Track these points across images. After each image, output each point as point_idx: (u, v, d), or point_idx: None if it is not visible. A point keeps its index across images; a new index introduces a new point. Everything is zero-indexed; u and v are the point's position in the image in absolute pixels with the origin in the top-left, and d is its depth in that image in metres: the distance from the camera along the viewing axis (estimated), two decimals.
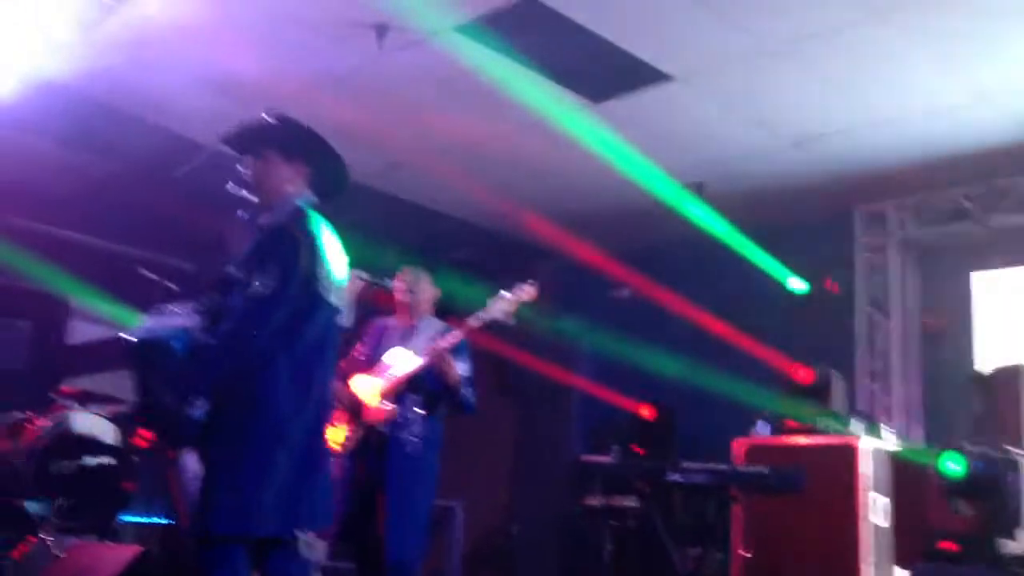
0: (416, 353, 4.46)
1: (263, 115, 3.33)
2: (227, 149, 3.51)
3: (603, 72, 5.74)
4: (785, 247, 7.37)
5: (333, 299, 3.17)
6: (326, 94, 6.15)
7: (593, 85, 5.93)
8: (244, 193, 3.30)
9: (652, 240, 8.19)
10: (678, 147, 6.65)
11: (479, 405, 4.72)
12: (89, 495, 5.37)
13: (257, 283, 2.99)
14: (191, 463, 5.11)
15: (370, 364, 4.60)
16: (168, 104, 6.39)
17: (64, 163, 6.60)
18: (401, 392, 4.45)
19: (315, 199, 3.34)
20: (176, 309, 3.13)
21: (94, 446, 5.52)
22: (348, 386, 4.49)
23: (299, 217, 3.18)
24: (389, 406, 4.39)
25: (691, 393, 6.97)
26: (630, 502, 5.68)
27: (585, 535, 6.11)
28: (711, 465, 4.64)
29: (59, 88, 6.05)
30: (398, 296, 4.70)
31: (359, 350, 4.72)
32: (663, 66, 5.61)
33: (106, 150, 6.78)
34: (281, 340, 2.99)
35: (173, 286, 5.28)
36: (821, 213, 7.40)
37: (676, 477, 4.62)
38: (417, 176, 7.43)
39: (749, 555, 5.30)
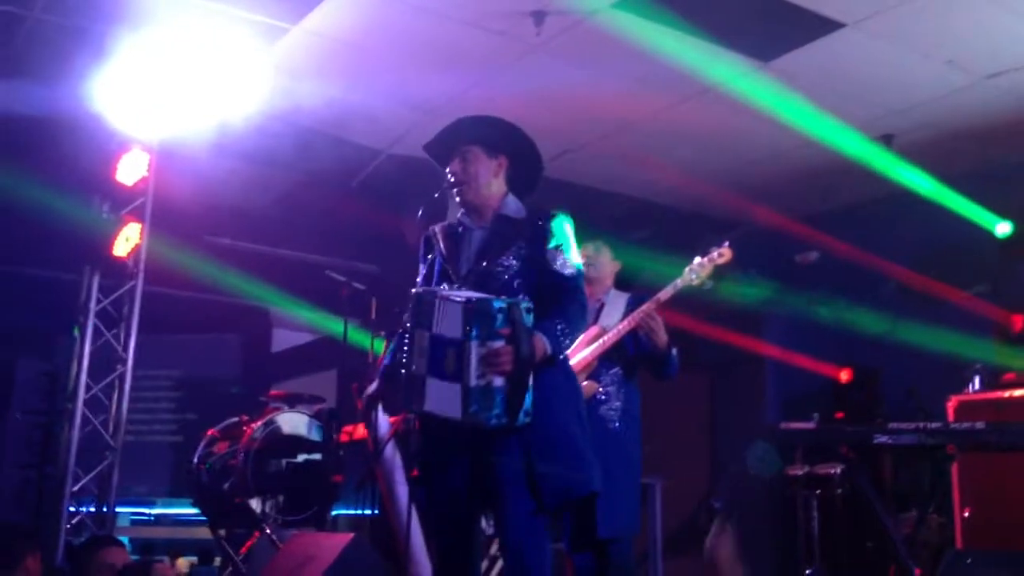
0: (607, 328, 4.43)
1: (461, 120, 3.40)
2: (400, 154, 3.63)
3: (769, 28, 5.55)
4: (987, 190, 6.89)
5: None
6: (489, 86, 6.24)
7: (760, 43, 5.74)
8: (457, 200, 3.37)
9: (841, 199, 7.84)
10: (860, 98, 6.33)
11: (670, 381, 4.64)
12: (302, 490, 5.70)
13: (562, 262, 3.23)
14: (390, 454, 5.33)
15: None
16: (343, 117, 6.67)
17: (253, 180, 7.01)
18: (596, 367, 4.43)
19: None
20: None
21: (303, 444, 5.85)
22: None
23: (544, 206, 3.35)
24: (590, 383, 4.38)
25: (896, 353, 6.65)
26: (835, 469, 5.46)
27: (790, 506, 5.93)
28: (922, 424, 4.37)
29: (245, 109, 6.44)
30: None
31: None
32: (832, 13, 5.35)
33: (290, 164, 7.14)
34: None
35: (360, 286, 5.51)
36: None
37: (884, 439, 4.37)
38: (590, 159, 7.41)
39: (966, 516, 4.98)
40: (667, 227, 8.58)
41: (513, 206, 3.33)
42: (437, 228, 3.41)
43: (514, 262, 3.21)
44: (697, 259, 4.31)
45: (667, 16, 5.37)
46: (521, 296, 3.11)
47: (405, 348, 3.07)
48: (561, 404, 3.19)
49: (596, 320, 4.56)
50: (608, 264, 4.67)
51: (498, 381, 2.94)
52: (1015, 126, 6.60)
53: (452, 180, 3.30)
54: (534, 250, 3.22)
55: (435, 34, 5.67)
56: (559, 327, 3.13)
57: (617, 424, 4.35)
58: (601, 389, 4.39)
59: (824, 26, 5.48)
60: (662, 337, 4.30)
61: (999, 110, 6.42)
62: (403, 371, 3.06)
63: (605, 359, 4.39)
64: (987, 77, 6.01)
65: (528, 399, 2.98)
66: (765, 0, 5.21)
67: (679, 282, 4.29)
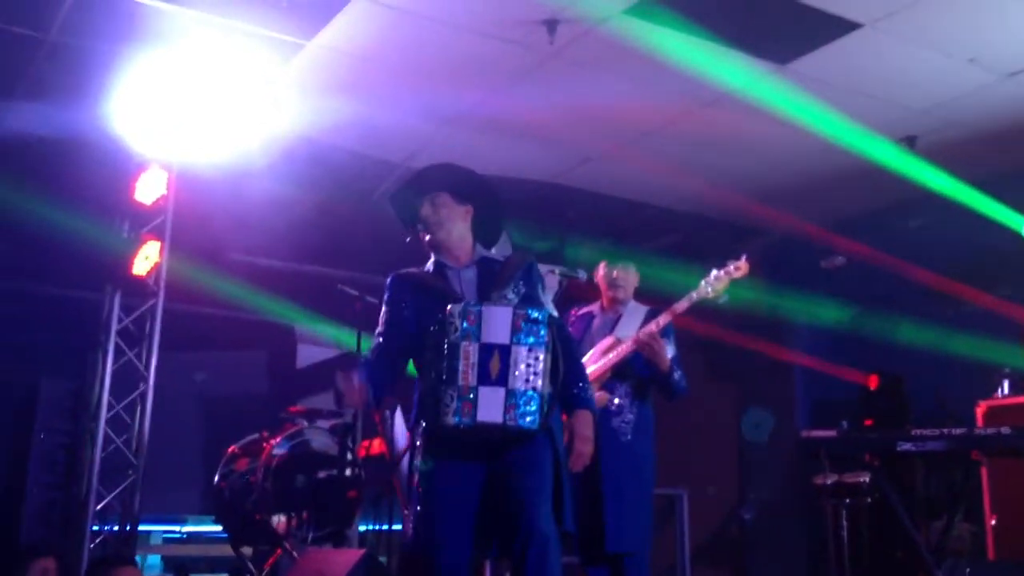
0: (623, 339, 4.40)
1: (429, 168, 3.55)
2: (417, 167, 3.70)
3: (785, 31, 5.48)
4: (1015, 191, 6.75)
5: None
6: (506, 100, 6.23)
7: (776, 46, 5.67)
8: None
9: (865, 204, 7.73)
10: (880, 100, 6.23)
11: (696, 390, 4.60)
12: (322, 506, 5.69)
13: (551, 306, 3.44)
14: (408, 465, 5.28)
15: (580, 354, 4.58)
16: (360, 131, 6.69)
17: (273, 196, 7.03)
18: (610, 379, 4.41)
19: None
20: None
21: (322, 459, 5.85)
22: None
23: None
24: (603, 393, 4.35)
25: (925, 358, 6.54)
26: (864, 478, 5.36)
27: (819, 515, 5.83)
28: (945, 430, 4.28)
29: (261, 126, 6.47)
30: (603, 286, 4.68)
31: None
32: (848, 13, 5.27)
33: (308, 179, 7.17)
34: None
35: (373, 300, 5.50)
36: None
37: (908, 446, 4.29)
38: (610, 168, 7.36)
39: (994, 523, 4.86)
40: (691, 234, 8.52)
41: (489, 251, 3.49)
42: (408, 272, 3.45)
43: (514, 297, 3.32)
44: (714, 272, 4.30)
45: (679, 21, 5.32)
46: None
47: (445, 363, 3.12)
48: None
49: (612, 331, 4.53)
50: (634, 282, 4.67)
51: (539, 384, 3.09)
52: None
53: (424, 223, 3.39)
54: (530, 289, 3.36)
55: (448, 46, 5.66)
56: (581, 385, 3.46)
57: (629, 437, 4.33)
58: (616, 401, 4.36)
59: (841, 27, 5.40)
60: (663, 360, 4.30)
61: (1022, 108, 6.29)
62: (447, 387, 3.09)
63: (617, 373, 4.37)
64: (1010, 75, 5.89)
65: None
66: (779, 2, 5.14)
67: (695, 295, 4.29)
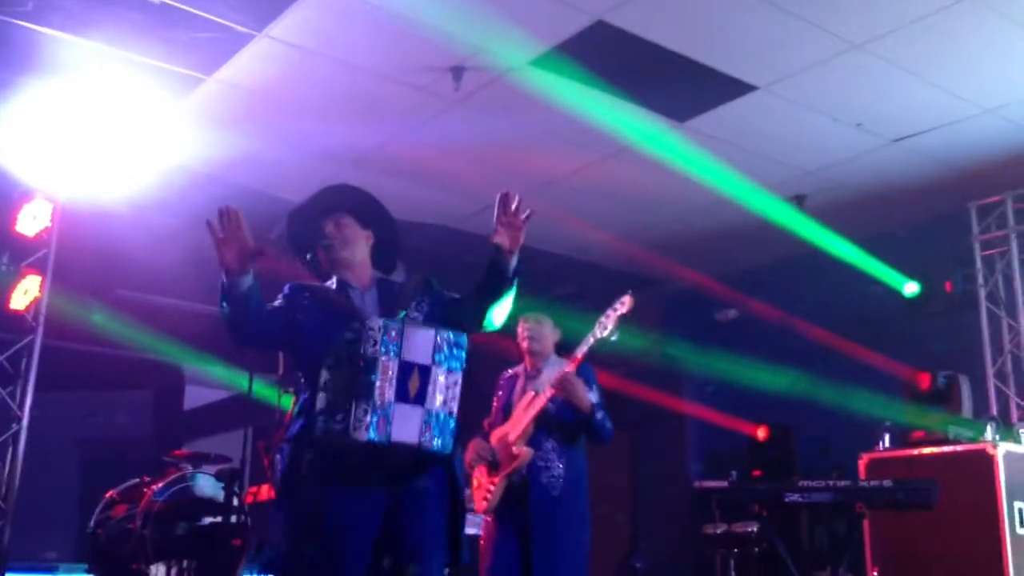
0: (540, 391, 4.39)
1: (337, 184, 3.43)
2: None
3: (685, 89, 5.64)
4: (897, 252, 7.06)
5: None
6: (409, 144, 6.23)
7: (676, 104, 5.83)
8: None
9: (756, 258, 7.97)
10: (772, 159, 6.46)
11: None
12: (205, 555, 5.48)
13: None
14: None
15: (505, 415, 4.55)
16: (258, 168, 6.58)
17: (165, 232, 6.84)
18: (535, 434, 4.37)
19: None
20: None
21: (206, 506, 5.65)
22: (489, 441, 4.46)
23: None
24: (525, 450, 4.31)
25: (811, 411, 6.72)
26: (752, 527, 5.46)
27: (709, 564, 5.89)
28: (831, 482, 4.40)
29: (155, 160, 6.30)
30: (523, 344, 4.66)
31: (495, 404, 4.68)
32: (745, 76, 5.47)
33: (203, 217, 6.98)
34: None
35: None
36: (932, 212, 7.07)
37: (795, 497, 4.38)
38: None
39: (876, 575, 4.99)
40: (591, 284, 8.61)
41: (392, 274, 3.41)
42: (310, 283, 3.35)
43: (418, 315, 3.21)
44: (605, 312, 4.33)
45: (583, 75, 5.42)
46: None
47: (360, 376, 2.94)
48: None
49: (531, 385, 4.52)
50: (550, 335, 4.67)
51: (454, 408, 3.02)
52: (921, 188, 6.80)
53: (329, 241, 3.29)
54: (432, 306, 3.27)
55: (353, 87, 5.64)
56: None
57: (559, 492, 4.28)
58: (541, 456, 4.32)
59: (738, 88, 5.59)
60: (582, 400, 4.28)
61: (906, 172, 6.60)
62: (359, 401, 2.92)
63: (542, 426, 4.34)
64: (894, 140, 6.18)
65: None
66: (680, 61, 5.29)
67: (591, 337, 4.30)
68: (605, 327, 4.29)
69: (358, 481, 2.97)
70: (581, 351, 4.32)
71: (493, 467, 4.38)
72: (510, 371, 4.73)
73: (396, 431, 2.92)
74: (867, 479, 5.07)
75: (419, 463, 3.03)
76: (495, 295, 3.22)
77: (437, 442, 2.97)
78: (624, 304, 4.30)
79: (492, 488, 4.33)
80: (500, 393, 4.69)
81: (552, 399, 4.30)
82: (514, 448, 4.30)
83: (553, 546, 4.19)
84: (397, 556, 2.99)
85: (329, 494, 2.94)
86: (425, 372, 2.98)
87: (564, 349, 4.66)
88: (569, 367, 4.29)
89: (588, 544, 4.35)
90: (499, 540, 4.32)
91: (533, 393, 4.40)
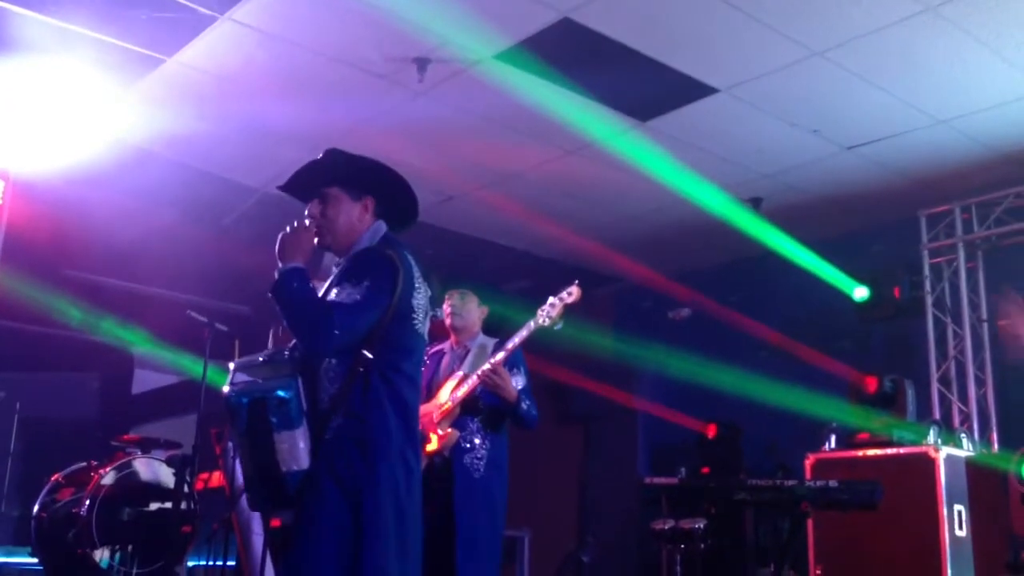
0: (469, 373, 4.39)
1: (321, 155, 3.13)
2: (276, 192, 3.38)
3: (647, 89, 5.68)
4: (848, 256, 7.18)
5: (424, 333, 3.08)
6: (371, 132, 6.19)
7: (638, 103, 5.87)
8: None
9: (711, 259, 8.08)
10: (731, 161, 6.54)
11: (542, 432, 4.61)
12: (152, 541, 5.43)
13: (338, 291, 2.86)
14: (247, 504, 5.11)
15: (430, 393, 4.55)
16: (217, 152, 6.51)
17: (120, 213, 6.74)
18: (460, 416, 4.38)
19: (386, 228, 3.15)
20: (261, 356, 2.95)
21: (154, 491, 5.59)
22: None
23: (390, 242, 3.05)
24: (450, 431, 4.31)
25: (759, 410, 6.81)
26: (699, 524, 5.53)
27: (655, 559, 5.96)
28: (778, 481, 4.48)
29: (112, 140, 6.20)
30: (447, 320, 4.65)
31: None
32: (708, 79, 5.53)
33: (159, 198, 6.91)
34: (383, 381, 2.88)
35: (223, 327, 5.31)
36: (883, 218, 7.22)
37: (743, 495, 4.46)
38: (469, 208, 7.43)
39: (819, 573, 5.10)
40: (547, 279, 8.61)
41: (366, 242, 3.06)
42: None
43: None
44: (550, 299, 4.31)
45: (547, 71, 5.44)
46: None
47: None
48: None
49: (460, 366, 4.52)
50: (475, 311, 4.66)
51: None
52: (873, 195, 6.93)
53: (315, 223, 3.04)
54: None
55: (316, 74, 5.59)
56: None
57: (481, 472, 4.31)
58: (465, 438, 4.34)
59: (699, 90, 5.64)
60: (509, 393, 4.30)
61: (859, 179, 6.73)
62: None
63: (468, 409, 4.35)
64: (849, 148, 6.30)
65: None
66: (644, 61, 5.33)
67: (532, 324, 4.29)
68: (549, 316, 4.26)
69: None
70: (520, 336, 4.30)
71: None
72: (437, 348, 4.70)
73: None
74: (812, 479, 5.16)
75: None
76: None
77: None
78: (572, 294, 4.27)
79: None
80: (423, 369, 4.67)
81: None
82: (439, 430, 4.30)
83: (473, 528, 4.22)
84: None
85: None
86: None
87: (496, 332, 4.65)
88: (497, 358, 4.28)
89: (503, 527, 4.37)
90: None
91: (462, 374, 4.40)
